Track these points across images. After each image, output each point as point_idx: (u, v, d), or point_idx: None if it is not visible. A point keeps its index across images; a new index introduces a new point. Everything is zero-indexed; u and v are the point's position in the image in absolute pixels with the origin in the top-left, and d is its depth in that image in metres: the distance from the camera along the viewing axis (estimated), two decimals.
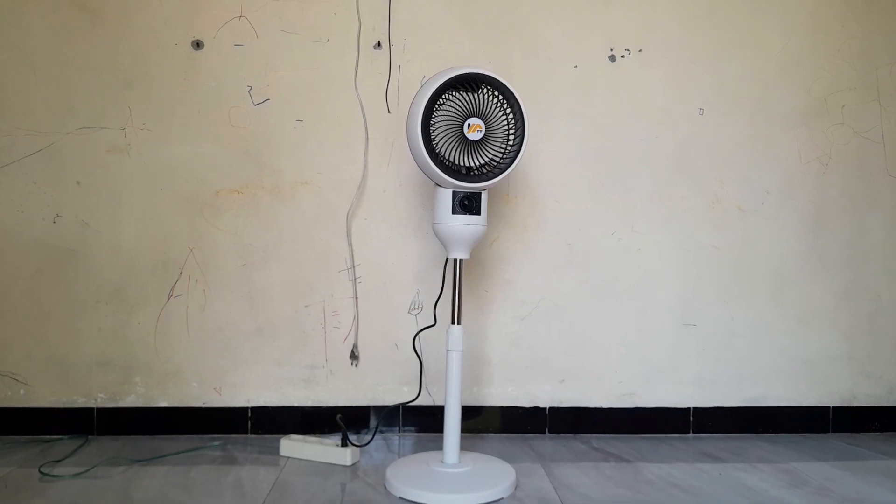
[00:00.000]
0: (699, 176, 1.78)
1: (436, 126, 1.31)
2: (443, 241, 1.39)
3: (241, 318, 1.68)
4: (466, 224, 1.35)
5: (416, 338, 1.69)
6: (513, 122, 1.34)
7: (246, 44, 1.65)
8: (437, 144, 1.31)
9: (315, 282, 1.69)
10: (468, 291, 1.72)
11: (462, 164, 1.33)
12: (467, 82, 1.32)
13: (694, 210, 1.78)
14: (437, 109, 1.31)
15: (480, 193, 1.36)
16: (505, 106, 1.34)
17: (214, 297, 1.67)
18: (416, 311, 1.72)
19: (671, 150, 1.77)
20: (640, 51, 1.75)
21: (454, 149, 1.32)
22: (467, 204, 1.34)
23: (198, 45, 1.64)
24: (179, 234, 1.65)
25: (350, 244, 1.69)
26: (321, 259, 1.69)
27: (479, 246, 1.71)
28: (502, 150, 1.35)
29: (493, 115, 1.33)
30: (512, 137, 1.34)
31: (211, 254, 1.66)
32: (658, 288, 1.78)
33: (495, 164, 1.35)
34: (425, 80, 1.37)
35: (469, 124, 1.31)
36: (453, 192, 1.34)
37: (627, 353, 1.77)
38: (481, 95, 1.33)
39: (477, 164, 1.34)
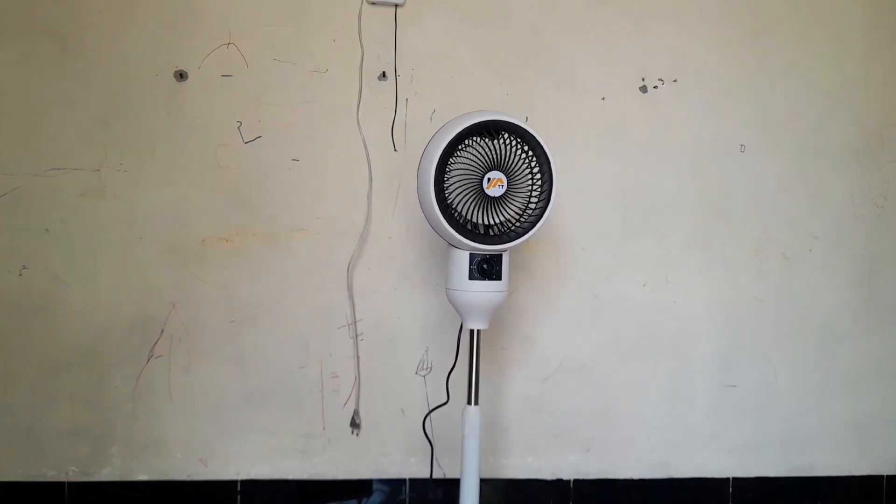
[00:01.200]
0: (740, 220, 1.59)
1: (451, 180, 1.13)
2: (458, 309, 1.21)
3: (230, 381, 1.50)
4: (485, 291, 1.17)
5: (427, 418, 1.51)
6: (538, 175, 1.16)
7: (235, 74, 1.48)
8: (452, 201, 1.13)
9: (312, 340, 1.51)
10: (482, 349, 1.54)
11: (480, 222, 1.15)
12: (487, 130, 1.14)
13: (734, 258, 1.60)
14: (452, 161, 1.13)
15: (501, 255, 1.18)
16: (530, 157, 1.16)
17: (200, 357, 1.49)
18: (424, 372, 1.54)
19: (709, 191, 1.59)
20: (675, 81, 1.57)
21: (471, 205, 1.14)
22: (486, 268, 1.16)
23: (181, 75, 1.46)
24: (161, 287, 1.47)
25: (351, 297, 1.51)
26: (319, 314, 1.51)
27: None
28: (524, 207, 1.17)
29: (517, 168, 1.16)
30: (537, 192, 1.17)
31: (196, 309, 1.49)
32: (694, 345, 1.59)
33: (518, 222, 1.17)
34: (439, 127, 1.20)
35: (489, 178, 1.14)
36: (470, 254, 1.17)
37: (660, 417, 1.59)
38: (503, 144, 1.15)
39: (497, 221, 1.16)
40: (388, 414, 1.53)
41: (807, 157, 1.61)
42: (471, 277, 1.17)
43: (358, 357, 1.52)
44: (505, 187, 1.15)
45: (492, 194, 1.14)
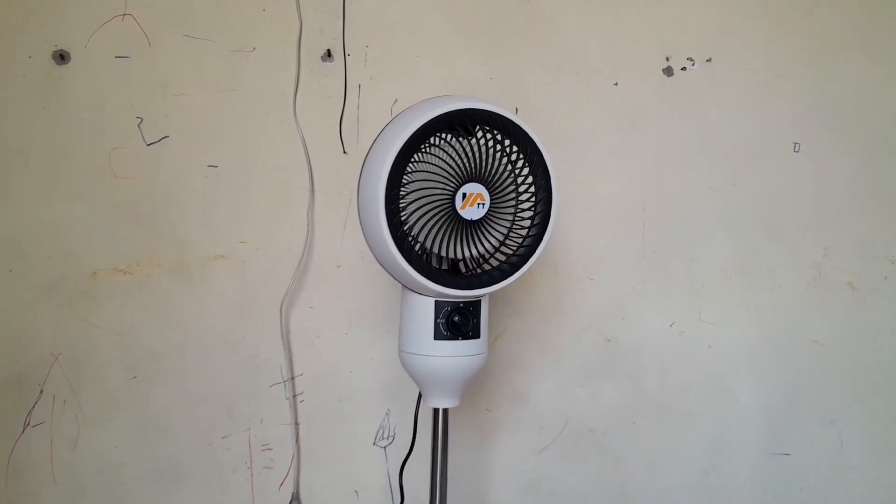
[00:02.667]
0: (794, 239, 1.23)
1: (408, 197, 0.78)
2: (416, 380, 0.86)
3: (132, 456, 1.15)
4: (458, 355, 0.82)
5: None
6: (531, 187, 0.81)
7: (133, 55, 1.13)
8: (410, 227, 0.78)
9: (237, 401, 1.16)
10: (463, 409, 1.19)
11: (450, 256, 0.80)
12: (461, 123, 0.79)
13: (787, 289, 1.23)
14: (410, 169, 0.78)
15: (479, 302, 0.83)
16: (520, 162, 0.80)
17: (92, 424, 1.14)
18: (385, 442, 1.18)
19: (754, 203, 1.23)
20: (709, 60, 1.21)
21: (438, 233, 0.78)
22: (459, 322, 0.81)
23: (62, 57, 1.11)
24: (38, 334, 1.12)
25: (287, 345, 1.16)
26: (246, 368, 1.16)
27: None
28: (511, 231, 0.82)
29: (502, 179, 0.80)
30: (530, 212, 0.81)
31: (86, 362, 1.13)
32: (736, 401, 1.24)
33: (503, 255, 0.82)
34: (390, 119, 0.85)
35: (464, 193, 0.78)
36: (436, 302, 0.81)
37: (693, 497, 1.23)
38: (483, 145, 0.80)
39: (475, 254, 0.81)
40: (338, 495, 1.18)
41: (879, 158, 1.25)
42: (437, 336, 0.81)
43: (297, 423, 1.17)
44: (486, 206, 0.80)
45: (468, 216, 0.79)
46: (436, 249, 0.79)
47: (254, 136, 1.15)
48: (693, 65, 1.22)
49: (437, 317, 0.81)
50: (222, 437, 1.16)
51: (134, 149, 1.13)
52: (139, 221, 1.14)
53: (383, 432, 1.19)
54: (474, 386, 1.19)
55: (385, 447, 1.19)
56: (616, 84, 1.20)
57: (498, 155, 0.82)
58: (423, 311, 0.82)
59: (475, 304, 0.83)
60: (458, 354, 0.82)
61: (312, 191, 1.15)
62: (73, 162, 1.12)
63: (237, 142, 1.15)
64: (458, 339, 0.81)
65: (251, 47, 1.14)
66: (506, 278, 0.82)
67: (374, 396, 1.18)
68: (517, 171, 0.83)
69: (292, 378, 1.17)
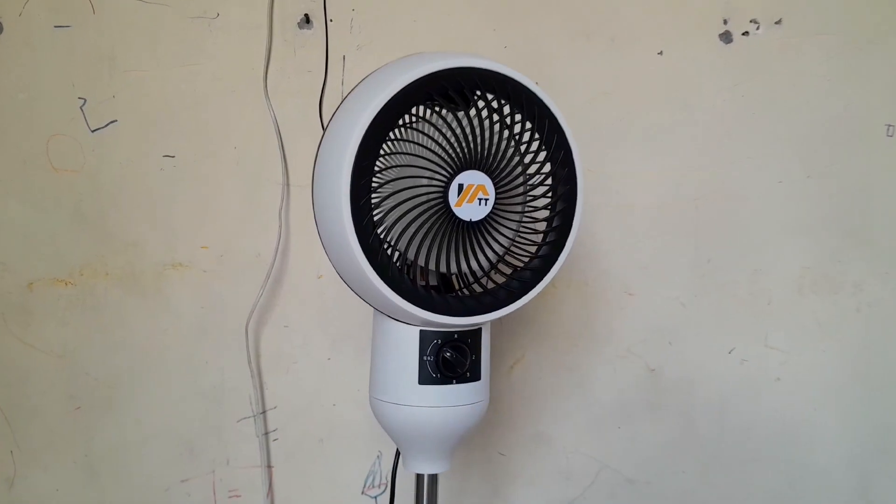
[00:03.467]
0: (887, 245, 0.98)
1: (383, 189, 0.57)
2: (394, 437, 0.64)
3: (76, 500, 0.97)
4: (451, 405, 0.60)
5: None
6: (551, 182, 0.59)
7: (76, 24, 0.94)
8: (385, 231, 0.56)
9: (198, 438, 0.97)
10: (471, 452, 0.97)
11: (441, 270, 0.58)
12: (455, 87, 0.57)
13: (877, 306, 0.99)
14: (386, 151, 0.57)
15: (480, 331, 0.61)
16: (535, 146, 0.59)
17: (30, 463, 0.96)
18: (376, 492, 0.97)
19: (836, 199, 0.98)
20: (779, 22, 0.97)
21: (426, 238, 0.57)
22: (452, 360, 0.59)
23: None
24: None
25: (257, 373, 0.96)
26: (209, 399, 0.97)
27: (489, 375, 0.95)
28: (524, 238, 0.60)
29: (511, 168, 0.59)
30: (548, 214, 0.59)
31: (20, 389, 0.96)
32: (813, 448, 0.99)
33: (513, 266, 0.60)
34: (357, 83, 0.64)
35: (461, 185, 0.57)
36: (422, 332, 0.60)
37: None
38: (484, 119, 0.58)
39: (474, 267, 0.59)
40: None
41: None
42: (422, 379, 0.60)
43: (270, 466, 0.97)
44: (491, 202, 0.58)
45: (465, 216, 0.58)
46: (421, 261, 0.57)
47: (217, 119, 0.95)
48: (758, 28, 0.98)
49: (422, 353, 0.59)
50: (182, 481, 0.97)
51: (76, 136, 0.95)
52: (83, 222, 0.95)
53: (374, 479, 0.98)
54: (486, 425, 0.97)
55: (376, 497, 0.98)
56: (661, 53, 0.97)
57: (506, 133, 0.60)
58: (404, 344, 0.60)
59: (474, 335, 0.61)
60: (451, 404, 0.60)
61: (287, 185, 0.95)
62: (4, 152, 0.95)
63: (198, 127, 0.95)
64: (451, 382, 0.60)
65: (214, 13, 0.94)
66: (515, 300, 0.60)
67: (362, 435, 0.97)
68: (531, 156, 0.61)
69: (263, 412, 0.97)
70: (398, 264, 0.58)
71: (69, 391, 0.97)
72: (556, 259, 0.62)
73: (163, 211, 0.96)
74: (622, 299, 0.98)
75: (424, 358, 0.59)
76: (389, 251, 0.58)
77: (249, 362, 0.95)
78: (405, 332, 0.59)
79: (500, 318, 0.62)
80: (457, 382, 0.60)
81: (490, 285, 0.61)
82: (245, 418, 0.97)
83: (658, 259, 0.97)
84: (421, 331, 0.59)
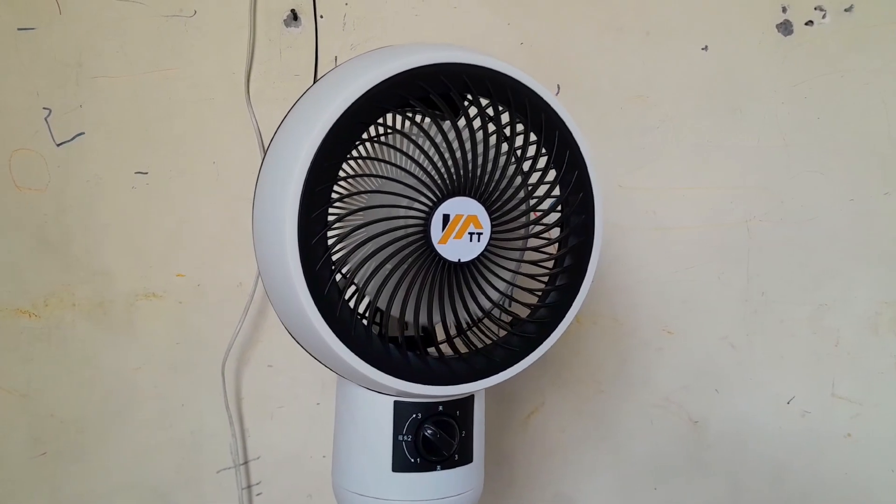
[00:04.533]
0: None
1: (345, 223, 0.45)
2: None
3: None
4: (434, 498, 0.47)
5: None
6: (561, 207, 0.46)
7: (41, 26, 0.85)
8: (346, 271, 0.44)
9: (174, 490, 0.86)
10: None
11: (423, 322, 0.45)
12: (440, 90, 0.45)
13: None
14: (349, 171, 0.45)
15: (472, 400, 0.48)
16: (541, 161, 0.46)
17: None
18: None
19: None
20: (849, 10, 0.82)
21: (399, 285, 0.44)
22: (435, 440, 0.46)
23: None
24: None
25: (238, 418, 0.85)
26: (185, 446, 0.86)
27: (501, 427, 0.82)
28: (524, 283, 0.47)
29: (508, 193, 0.46)
30: (556, 248, 0.46)
31: None
32: None
33: (512, 320, 0.47)
34: (318, 80, 0.52)
35: (446, 216, 0.44)
36: (396, 404, 0.47)
37: None
38: (475, 135, 0.45)
39: (462, 319, 0.46)
40: None
41: None
42: (397, 465, 0.47)
43: None
44: (486, 237, 0.45)
45: (452, 255, 0.45)
46: (395, 312, 0.45)
47: (194, 131, 0.84)
48: (824, 17, 0.82)
49: (397, 431, 0.46)
50: None
51: (41, 150, 0.85)
52: (47, 247, 0.85)
53: None
54: (492, 480, 0.83)
55: None
56: (705, 49, 0.83)
57: (504, 148, 0.47)
58: (374, 419, 0.48)
59: (464, 405, 0.48)
60: (435, 497, 0.47)
61: None
62: None
63: (173, 140, 0.85)
64: (434, 468, 0.47)
65: (191, 10, 0.84)
66: (515, 362, 0.47)
67: None
68: (536, 176, 0.48)
69: (245, 462, 0.85)
70: (365, 314, 0.46)
71: (33, 434, 0.87)
72: (567, 308, 0.48)
73: (134, 234, 0.85)
74: (660, 338, 0.83)
75: (400, 438, 0.46)
76: (352, 300, 0.45)
77: (227, 406, 0.83)
78: (375, 403, 0.47)
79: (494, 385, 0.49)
80: (442, 468, 0.47)
81: (483, 340, 0.48)
82: (225, 469, 0.85)
83: (702, 291, 0.83)
84: (395, 402, 0.47)
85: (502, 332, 0.48)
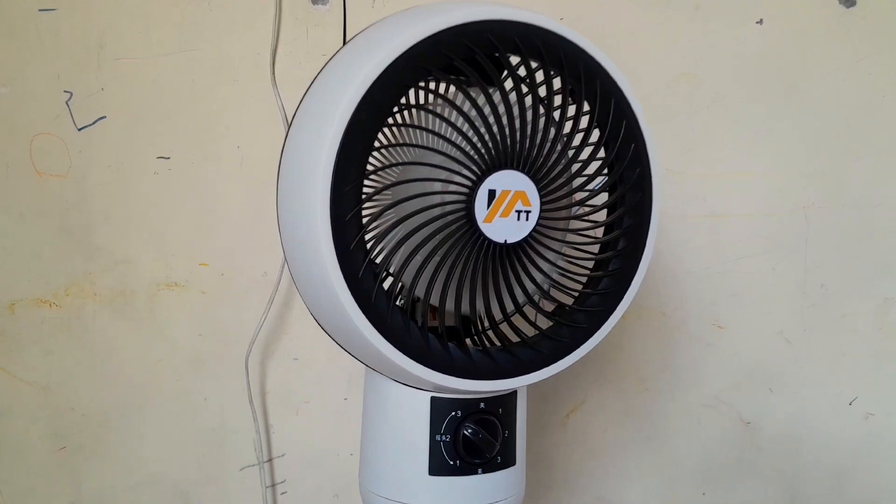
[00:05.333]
0: None
1: (378, 202, 0.41)
2: None
3: None
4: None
5: None
6: (615, 184, 0.41)
7: (61, 6, 0.82)
8: (378, 255, 0.40)
9: (195, 488, 0.83)
10: None
11: (465, 311, 0.41)
12: (491, 52, 0.40)
13: None
14: (382, 144, 0.41)
15: (514, 396, 0.43)
16: (592, 131, 0.41)
17: None
18: None
19: None
20: None
21: (439, 269, 0.40)
22: (476, 439, 0.41)
23: None
24: None
25: (262, 414, 0.81)
26: (207, 442, 0.82)
27: (538, 426, 0.77)
28: (574, 267, 0.42)
29: (560, 167, 0.41)
30: (610, 230, 0.41)
31: (1, 425, 0.84)
32: None
33: (559, 310, 0.42)
34: (341, 47, 0.47)
35: (492, 192, 0.39)
36: (433, 401, 0.42)
37: None
38: (524, 101, 0.41)
39: (508, 308, 0.42)
40: None
41: None
42: (434, 468, 0.42)
43: None
44: (534, 216, 0.41)
45: (498, 236, 0.40)
46: (434, 300, 0.40)
47: (218, 114, 0.81)
48: None
49: (434, 430, 0.42)
50: None
51: (62, 135, 0.82)
52: (68, 235, 0.83)
53: None
54: (534, 486, 0.79)
55: None
56: (760, 23, 0.77)
57: (555, 117, 0.43)
58: (409, 417, 0.43)
59: (507, 402, 0.44)
60: (477, 503, 0.42)
61: None
62: None
63: (196, 123, 0.81)
64: (475, 471, 0.42)
65: None
66: (564, 355, 0.42)
67: None
68: (589, 150, 0.43)
69: (270, 460, 0.82)
70: (400, 302, 0.42)
71: (53, 428, 0.84)
72: (620, 296, 0.44)
73: (157, 222, 0.82)
74: (710, 333, 0.78)
75: (438, 438, 0.42)
76: (389, 291, 0.41)
77: (251, 401, 0.80)
78: (410, 400, 0.43)
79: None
80: (483, 472, 0.42)
81: (528, 332, 0.44)
82: (249, 466, 0.82)
83: (756, 283, 0.77)
84: (433, 398, 0.42)
85: (549, 322, 0.43)
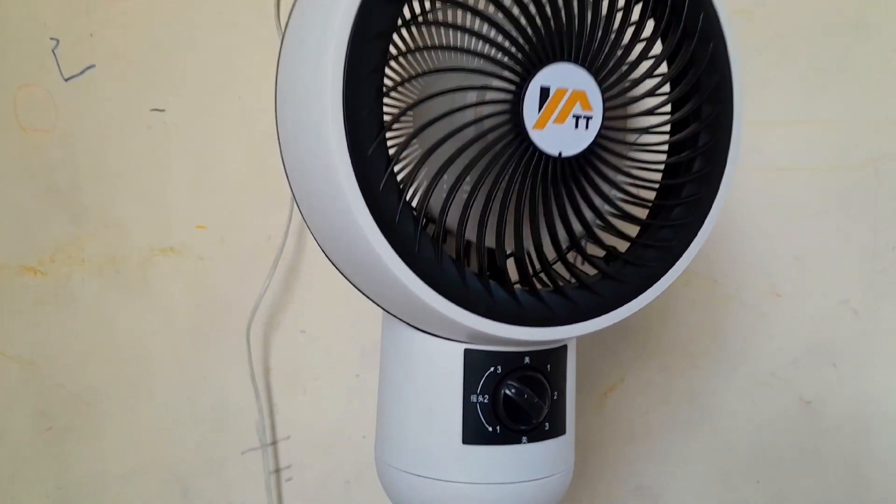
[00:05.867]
0: None
1: (407, 113, 0.32)
2: None
3: None
4: (515, 481, 0.34)
5: None
6: (692, 86, 0.33)
7: None
8: (403, 174, 0.32)
9: (193, 474, 0.75)
10: None
11: (510, 248, 0.33)
12: None
13: None
14: (407, 44, 0.33)
15: (564, 352, 0.35)
16: (664, 20, 0.33)
17: None
18: None
19: None
20: None
21: (477, 191, 0.31)
22: (521, 400, 0.33)
23: None
24: None
25: (266, 391, 0.74)
26: (206, 423, 0.75)
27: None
28: (639, 189, 0.34)
29: (625, 57, 0.33)
30: (678, 149, 0.33)
31: None
32: None
33: (616, 245, 0.34)
34: None
35: (544, 90, 0.31)
36: (467, 355, 0.34)
37: None
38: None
39: (561, 238, 0.33)
40: None
41: None
42: (470, 436, 0.34)
43: None
44: (597, 122, 0.32)
45: (552, 147, 0.32)
46: (471, 234, 0.32)
47: (218, 62, 0.74)
48: None
49: (469, 389, 0.34)
50: None
51: (48, 86, 0.75)
52: (55, 196, 0.76)
53: None
54: None
55: None
56: None
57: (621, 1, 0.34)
58: (438, 375, 0.35)
59: (556, 358, 0.36)
60: (522, 478, 0.34)
61: None
62: None
63: (193, 73, 0.74)
64: (519, 440, 0.34)
65: None
66: (629, 298, 0.34)
67: None
68: (659, 44, 0.35)
69: (274, 443, 0.74)
70: (430, 237, 0.34)
71: (39, 407, 0.77)
72: (697, 228, 0.36)
73: (150, 181, 0.75)
74: (766, 302, 0.69)
75: (474, 399, 0.34)
76: (418, 216, 0.33)
77: (253, 378, 0.72)
78: (440, 353, 0.34)
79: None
80: (529, 440, 0.34)
81: (589, 272, 0.36)
82: (252, 450, 0.74)
83: (819, 246, 0.69)
84: (467, 351, 0.34)
85: (604, 265, 0.35)
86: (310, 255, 0.73)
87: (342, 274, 0.39)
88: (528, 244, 0.34)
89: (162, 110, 0.74)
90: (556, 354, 0.36)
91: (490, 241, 0.33)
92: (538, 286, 0.33)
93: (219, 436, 0.75)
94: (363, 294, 0.38)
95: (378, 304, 0.37)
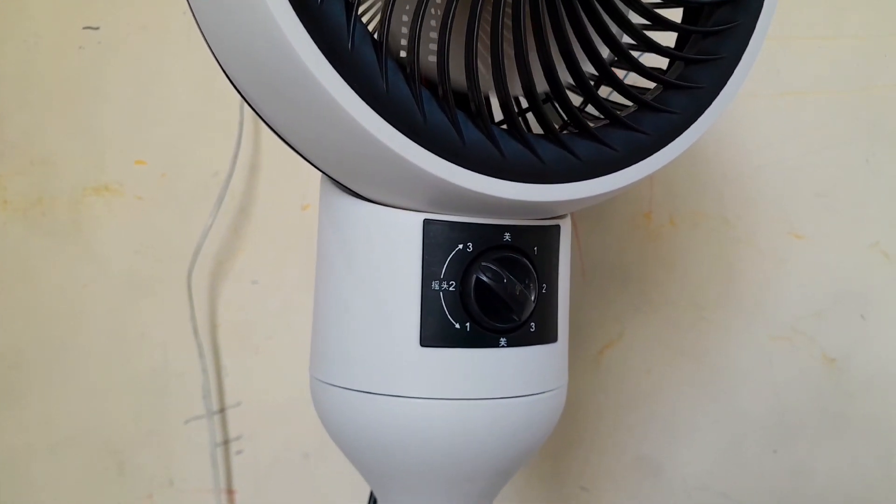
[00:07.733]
0: None
1: None
2: (362, 465, 0.29)
3: None
4: (489, 396, 0.25)
5: None
6: None
7: None
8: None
9: (130, 447, 0.66)
10: (540, 484, 0.63)
11: (511, 91, 0.23)
12: None
13: None
14: None
15: (556, 234, 0.26)
16: None
17: None
18: None
19: None
20: None
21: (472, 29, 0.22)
22: (498, 287, 0.24)
23: None
24: None
25: (212, 351, 0.64)
26: (145, 388, 0.66)
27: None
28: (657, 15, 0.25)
29: None
30: None
31: None
32: None
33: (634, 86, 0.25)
34: None
35: None
36: (426, 226, 0.25)
37: None
38: None
39: (565, 80, 0.24)
40: None
41: None
42: (429, 337, 0.25)
43: (231, 491, 0.65)
44: None
45: None
46: (455, 72, 0.23)
47: None
48: None
49: (430, 275, 0.25)
50: None
51: None
52: None
53: None
54: (559, 441, 0.62)
55: None
56: None
57: None
58: (387, 256, 0.26)
59: (543, 239, 0.27)
60: (498, 394, 0.25)
61: None
62: None
63: None
64: (496, 342, 0.25)
65: None
66: (642, 157, 0.25)
67: None
68: None
69: (222, 410, 0.65)
70: (411, 78, 0.24)
71: None
72: (730, 70, 0.27)
73: (82, 110, 0.65)
74: (784, 246, 0.61)
75: (435, 286, 0.24)
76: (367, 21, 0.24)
77: (197, 335, 0.63)
78: (392, 225, 0.25)
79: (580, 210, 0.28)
80: (508, 344, 0.25)
81: (596, 116, 0.27)
82: (196, 418, 0.65)
83: (846, 181, 0.60)
84: (427, 222, 0.25)
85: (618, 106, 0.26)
86: (263, 195, 0.64)
87: (263, 120, 0.29)
88: (516, 89, 0.25)
89: (96, 28, 0.65)
90: (545, 235, 0.26)
91: (456, 75, 0.24)
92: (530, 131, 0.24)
93: (159, 402, 0.65)
94: (295, 150, 0.28)
95: (313, 163, 0.27)
